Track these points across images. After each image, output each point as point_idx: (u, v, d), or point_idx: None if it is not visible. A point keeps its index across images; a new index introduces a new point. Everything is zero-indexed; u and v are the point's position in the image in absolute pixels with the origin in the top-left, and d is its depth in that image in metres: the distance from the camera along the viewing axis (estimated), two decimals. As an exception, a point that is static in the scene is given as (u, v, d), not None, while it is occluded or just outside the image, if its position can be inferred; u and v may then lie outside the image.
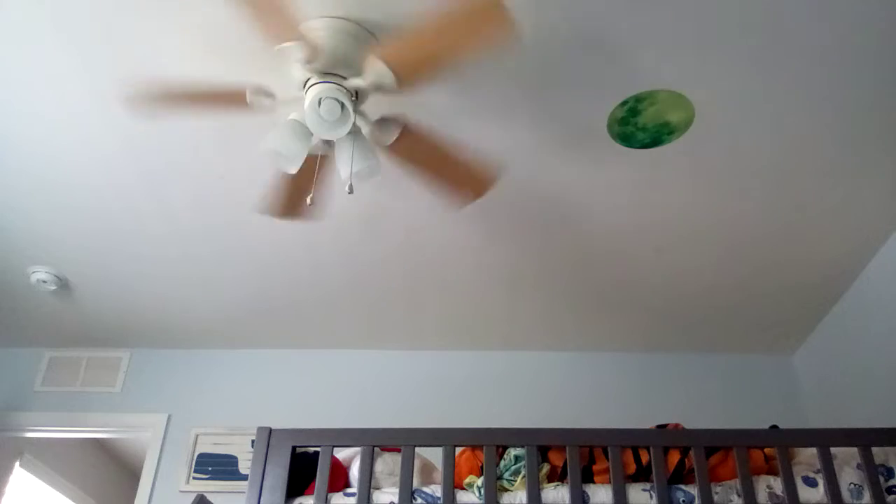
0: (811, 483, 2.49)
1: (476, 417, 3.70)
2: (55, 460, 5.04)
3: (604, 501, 2.45)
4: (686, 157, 2.93)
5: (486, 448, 2.53)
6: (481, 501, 2.46)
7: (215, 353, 4.27)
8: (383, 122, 2.52)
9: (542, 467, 2.54)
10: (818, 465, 2.51)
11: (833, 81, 2.60)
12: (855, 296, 3.62)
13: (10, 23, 2.44)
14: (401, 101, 2.60)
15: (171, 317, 4.01)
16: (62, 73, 2.62)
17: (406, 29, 2.25)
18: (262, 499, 2.49)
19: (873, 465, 2.49)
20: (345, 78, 2.31)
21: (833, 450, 2.54)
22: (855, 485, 2.48)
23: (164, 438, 3.99)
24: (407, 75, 2.27)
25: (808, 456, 2.66)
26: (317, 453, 2.58)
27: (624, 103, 2.68)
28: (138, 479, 4.07)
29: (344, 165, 2.41)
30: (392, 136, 2.52)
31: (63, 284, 3.73)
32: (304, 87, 2.34)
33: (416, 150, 2.57)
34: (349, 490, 2.55)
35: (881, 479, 2.49)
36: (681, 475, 2.52)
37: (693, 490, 2.47)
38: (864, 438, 2.54)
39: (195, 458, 3.92)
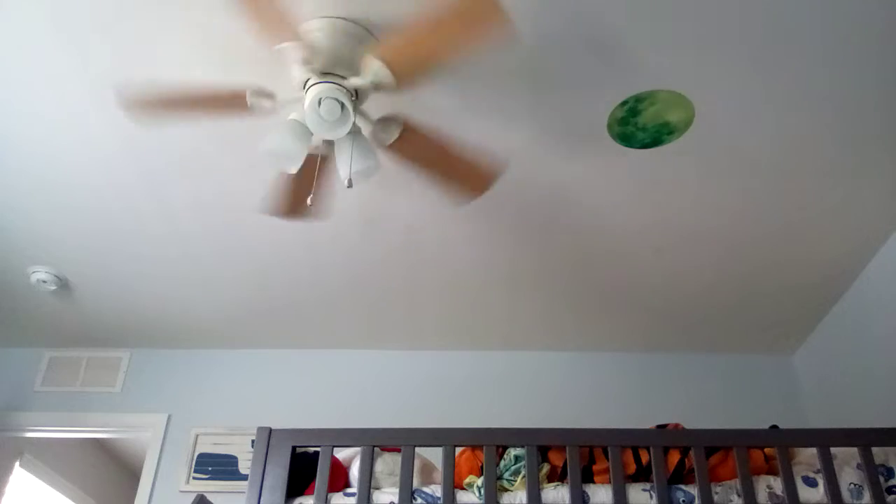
0: (811, 483, 2.49)
1: (476, 417, 3.70)
2: (55, 460, 5.04)
3: (604, 501, 2.45)
4: (686, 157, 2.93)
5: (486, 448, 2.53)
6: (481, 501, 2.46)
7: (215, 353, 4.27)
8: (384, 122, 2.52)
9: (542, 467, 2.54)
10: (818, 465, 2.51)
11: (833, 81, 2.60)
12: (855, 296, 3.62)
13: (10, 23, 2.44)
14: (401, 101, 2.60)
15: (171, 317, 4.01)
16: (62, 73, 2.62)
17: (403, 28, 2.25)
18: (262, 499, 2.49)
19: (873, 465, 2.49)
20: (344, 78, 2.31)
21: (833, 450, 2.54)
22: (855, 485, 2.48)
23: (164, 438, 3.99)
24: (405, 74, 2.27)
25: (808, 456, 2.66)
26: (317, 453, 2.58)
27: (624, 103, 2.68)
28: (138, 479, 4.07)
29: (343, 165, 2.41)
30: (393, 135, 2.52)
31: (63, 284, 3.73)
32: (304, 87, 2.34)
33: (417, 148, 2.57)
34: (349, 490, 2.55)
35: (881, 479, 2.49)
36: (681, 475, 2.52)
37: (693, 490, 2.47)
38: (864, 438, 2.54)
39: (195, 458, 3.92)
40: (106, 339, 4.20)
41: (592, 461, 2.57)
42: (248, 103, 2.34)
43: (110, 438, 5.51)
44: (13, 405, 4.11)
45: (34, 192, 3.16)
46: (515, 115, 2.74)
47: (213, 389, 4.15)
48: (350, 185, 2.37)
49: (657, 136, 2.82)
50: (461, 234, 3.35)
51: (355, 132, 2.43)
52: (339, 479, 2.60)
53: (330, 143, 2.53)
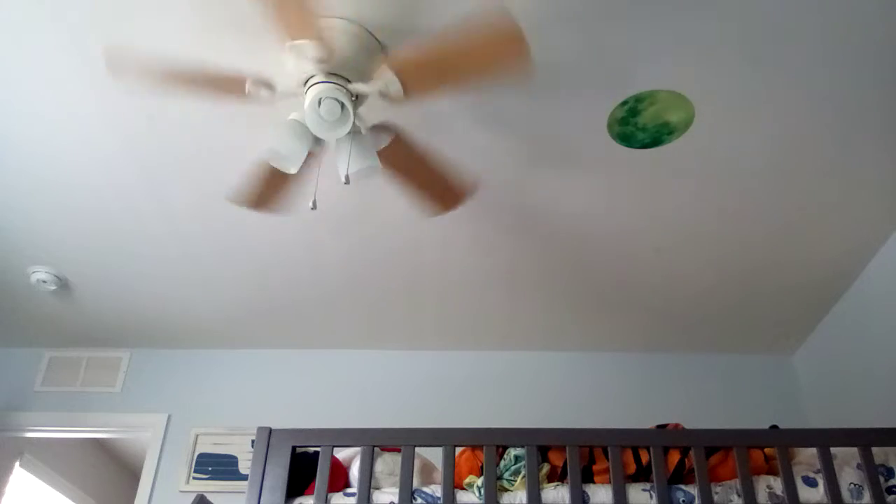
0: (811, 483, 2.49)
1: (476, 417, 3.70)
2: (55, 460, 5.04)
3: (604, 501, 2.45)
4: (686, 157, 2.93)
5: (486, 448, 2.53)
6: (481, 501, 2.46)
7: (215, 353, 4.27)
8: (376, 129, 2.53)
9: (542, 467, 2.54)
10: (818, 465, 2.51)
11: (833, 81, 2.60)
12: (855, 296, 3.62)
13: (10, 23, 2.44)
14: (398, 106, 2.59)
15: (171, 317, 4.01)
16: (62, 73, 2.61)
17: (426, 46, 2.23)
18: (262, 499, 2.49)
19: (873, 465, 2.49)
20: (349, 81, 2.31)
21: (833, 450, 2.54)
22: (855, 485, 2.48)
23: (164, 438, 3.99)
24: (416, 90, 2.28)
25: (808, 456, 2.66)
26: (317, 453, 2.58)
27: (624, 103, 2.68)
28: (138, 479, 4.06)
29: (342, 165, 2.41)
30: (383, 142, 2.53)
31: (63, 284, 3.73)
32: (305, 83, 2.33)
33: (401, 158, 2.59)
34: (349, 490, 2.55)
35: (881, 479, 2.49)
36: (681, 475, 2.52)
37: (693, 490, 2.47)
38: (864, 438, 2.54)
39: (195, 458, 3.92)
40: (106, 339, 4.20)
41: (592, 461, 2.57)
42: (246, 90, 2.32)
43: (110, 438, 5.51)
44: (13, 405, 4.11)
45: (34, 192, 3.16)
46: (515, 115, 2.74)
47: (213, 389, 4.15)
48: (347, 182, 2.37)
49: (657, 136, 2.82)
50: (461, 234, 3.35)
51: (355, 132, 2.43)
52: (339, 479, 2.60)
53: (320, 142, 2.52)
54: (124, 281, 3.71)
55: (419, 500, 2.48)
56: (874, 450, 2.55)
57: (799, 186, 3.07)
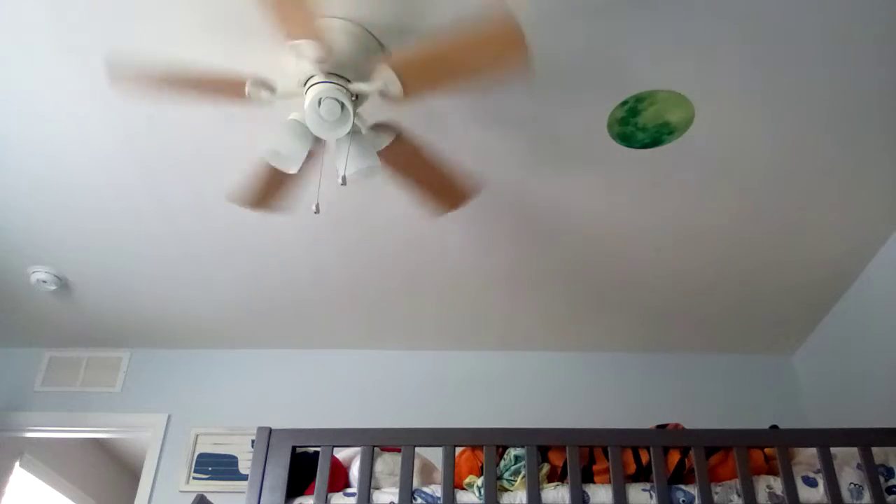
0: (811, 483, 2.49)
1: (476, 417, 3.70)
2: (55, 460, 5.04)
3: (604, 501, 2.45)
4: (686, 157, 2.93)
5: (486, 448, 2.53)
6: (481, 501, 2.46)
7: (215, 353, 4.27)
8: (377, 128, 2.53)
9: (542, 467, 2.54)
10: (818, 465, 2.51)
11: (833, 81, 2.60)
12: (855, 296, 3.62)
13: (10, 23, 2.44)
14: (398, 105, 2.60)
15: (171, 317, 4.01)
16: (62, 73, 2.61)
17: (425, 45, 2.24)
18: (262, 499, 2.49)
19: (873, 465, 2.49)
20: (349, 81, 2.31)
21: (833, 450, 2.54)
22: (855, 485, 2.48)
23: (164, 438, 3.99)
24: (416, 89, 2.28)
25: (808, 456, 2.66)
26: (317, 453, 2.58)
27: (624, 103, 2.68)
28: (138, 479, 4.06)
29: (342, 165, 2.42)
30: (384, 142, 2.53)
31: (63, 284, 3.73)
32: (305, 83, 2.33)
33: (403, 158, 2.59)
34: (349, 490, 2.55)
35: (881, 479, 2.49)
36: (681, 475, 2.52)
37: (693, 490, 2.47)
38: (864, 438, 2.54)
39: (195, 458, 3.92)
40: (106, 339, 4.20)
41: (592, 461, 2.57)
42: (247, 92, 2.32)
43: (110, 438, 5.51)
44: (13, 405, 4.11)
45: (34, 192, 3.16)
46: (515, 115, 2.74)
47: (213, 389, 4.15)
48: (344, 183, 2.37)
49: (657, 136, 2.82)
50: (461, 234, 3.35)
51: (355, 132, 2.43)
52: (339, 479, 2.60)
53: (321, 142, 2.52)
54: (124, 281, 3.71)
55: (419, 500, 2.48)
56: (874, 450, 2.55)
57: (799, 186, 3.07)
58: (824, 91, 2.64)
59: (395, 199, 3.12)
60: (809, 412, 3.99)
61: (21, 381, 4.19)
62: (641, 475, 2.54)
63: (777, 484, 2.49)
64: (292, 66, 2.34)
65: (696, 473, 2.48)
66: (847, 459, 2.56)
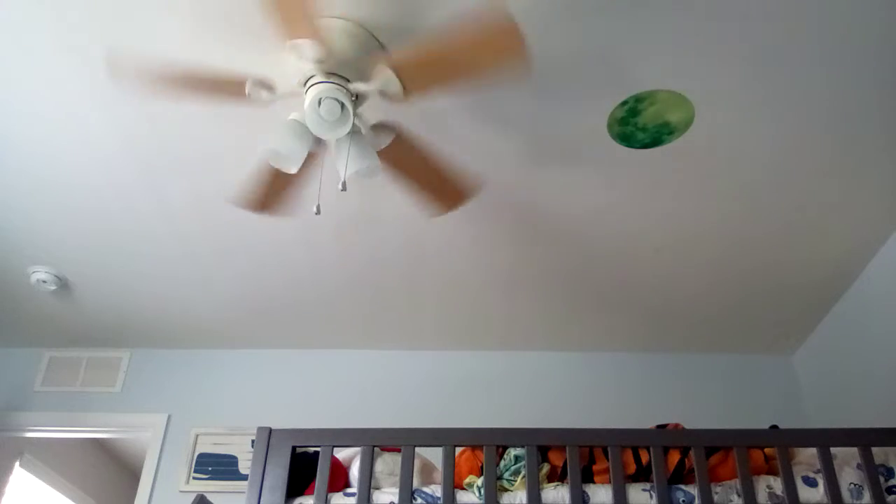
0: (811, 483, 2.49)
1: (476, 417, 3.70)
2: (55, 460, 5.04)
3: (604, 501, 2.45)
4: (686, 157, 2.93)
5: (486, 448, 2.53)
6: (481, 501, 2.46)
7: (215, 353, 4.27)
8: (378, 128, 2.53)
9: (542, 467, 2.54)
10: (818, 465, 2.51)
11: (832, 81, 2.60)
12: (855, 296, 3.62)
13: (10, 23, 2.44)
14: (398, 105, 2.60)
15: (171, 317, 4.01)
16: (62, 73, 2.61)
17: (423, 44, 2.24)
18: (262, 499, 2.49)
19: (873, 465, 2.49)
20: (348, 80, 2.31)
21: (833, 450, 2.54)
22: (855, 485, 2.48)
23: (164, 438, 3.99)
24: (415, 88, 2.28)
25: (808, 456, 2.66)
26: (317, 453, 2.58)
27: (624, 103, 2.68)
28: (138, 479, 4.07)
29: (342, 165, 2.42)
30: (385, 142, 2.53)
31: (63, 284, 3.73)
32: (305, 84, 2.33)
33: (403, 158, 2.59)
34: (349, 490, 2.55)
35: (881, 479, 2.49)
36: (681, 475, 2.52)
37: (693, 490, 2.47)
38: (864, 438, 2.54)
39: (195, 458, 3.92)
40: (106, 339, 4.20)
41: (592, 461, 2.57)
42: (247, 92, 2.32)
43: (110, 438, 5.51)
44: (13, 405, 4.11)
45: (34, 192, 3.16)
46: (515, 116, 2.74)
47: (213, 389, 4.15)
48: (344, 189, 2.37)
49: (657, 136, 2.82)
50: (461, 234, 3.35)
51: (355, 132, 2.43)
52: (339, 479, 2.60)
53: (321, 142, 2.52)
54: (124, 281, 3.71)
55: (419, 500, 2.48)
56: (874, 450, 2.55)
57: (799, 186, 3.07)
58: (824, 91, 2.64)
59: (395, 200, 3.12)
60: (809, 412, 3.99)
61: (21, 381, 4.19)
62: (641, 475, 2.54)
63: (777, 484, 2.49)
64: (292, 65, 2.34)
65: (696, 473, 2.48)
66: (847, 459, 2.56)
